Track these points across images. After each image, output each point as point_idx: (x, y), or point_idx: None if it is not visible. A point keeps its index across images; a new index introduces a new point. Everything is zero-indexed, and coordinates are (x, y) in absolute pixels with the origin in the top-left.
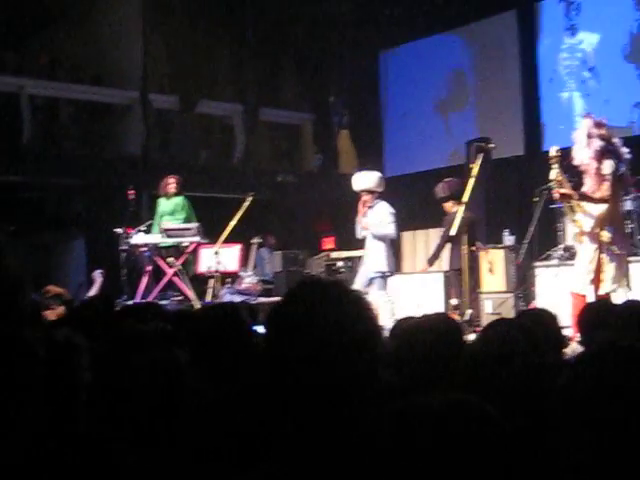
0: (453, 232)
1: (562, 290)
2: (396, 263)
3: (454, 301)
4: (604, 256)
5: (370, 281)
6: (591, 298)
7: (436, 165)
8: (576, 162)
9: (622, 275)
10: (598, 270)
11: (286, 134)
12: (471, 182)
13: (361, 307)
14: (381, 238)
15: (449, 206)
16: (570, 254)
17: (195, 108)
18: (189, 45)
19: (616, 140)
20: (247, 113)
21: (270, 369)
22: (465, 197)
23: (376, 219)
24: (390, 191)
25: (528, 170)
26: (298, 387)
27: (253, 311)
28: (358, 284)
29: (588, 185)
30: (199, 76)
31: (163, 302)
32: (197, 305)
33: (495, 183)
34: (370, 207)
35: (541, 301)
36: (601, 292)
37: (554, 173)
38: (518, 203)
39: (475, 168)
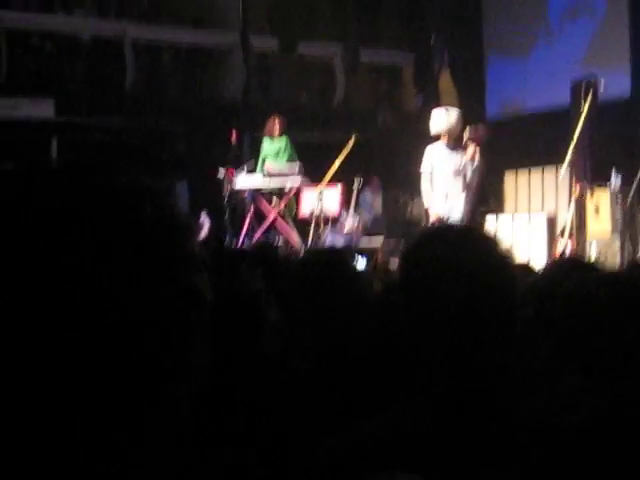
0: (562, 173)
1: None
2: (500, 203)
3: (560, 244)
4: None
5: None
6: None
7: (539, 104)
8: None
9: None
10: None
11: (386, 75)
12: (581, 122)
13: (501, 254)
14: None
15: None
16: None
17: (296, 50)
18: None
19: None
20: (347, 54)
21: (402, 315)
22: (574, 137)
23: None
24: (493, 131)
25: (636, 110)
26: (435, 333)
27: (353, 253)
28: None
29: None
30: (299, 17)
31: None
32: (299, 247)
33: (602, 123)
34: (454, 149)
35: None
36: None
37: None
38: (627, 142)
39: (585, 108)
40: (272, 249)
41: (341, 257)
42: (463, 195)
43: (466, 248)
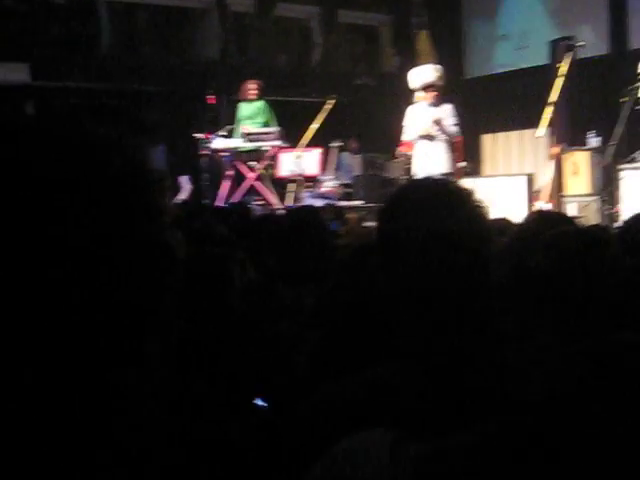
0: (540, 133)
1: None
2: (477, 166)
3: (538, 204)
4: None
5: None
6: None
7: (517, 65)
8: None
9: None
10: None
11: (364, 36)
12: (559, 82)
13: (475, 205)
14: (448, 139)
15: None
16: None
17: (272, 11)
18: None
19: None
20: (325, 15)
21: (378, 273)
22: (553, 97)
23: (444, 119)
24: (470, 93)
25: (614, 69)
26: (411, 287)
27: (338, 213)
28: None
29: None
30: None
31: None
32: (279, 208)
33: (579, 83)
34: (434, 105)
35: (626, 204)
36: None
37: None
38: (604, 103)
39: (563, 67)
40: (246, 208)
41: (313, 214)
42: (444, 153)
43: (440, 199)
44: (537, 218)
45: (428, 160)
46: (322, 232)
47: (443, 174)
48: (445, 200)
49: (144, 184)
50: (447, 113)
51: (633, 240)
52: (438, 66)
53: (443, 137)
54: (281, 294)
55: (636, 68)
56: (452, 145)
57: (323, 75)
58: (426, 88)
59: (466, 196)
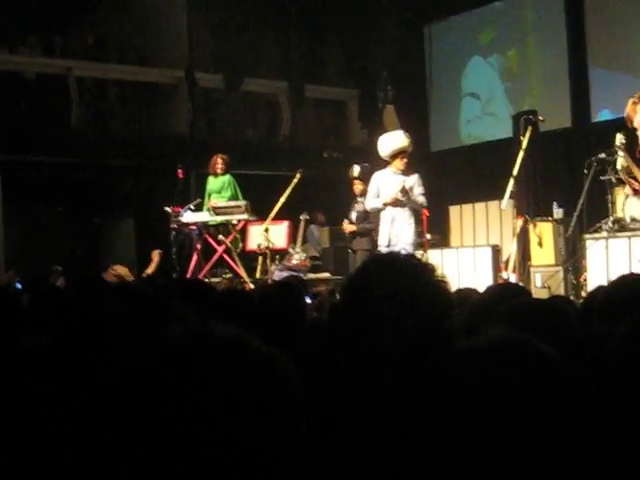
0: (504, 205)
1: (612, 262)
2: (444, 237)
3: (504, 275)
4: None
5: None
6: None
7: (482, 139)
8: None
9: None
10: None
11: (332, 110)
12: (521, 155)
13: (436, 280)
14: (416, 208)
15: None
16: (620, 226)
17: (241, 86)
18: (233, 23)
19: None
20: (292, 90)
21: (338, 342)
22: (515, 171)
23: (413, 187)
24: (436, 165)
25: (576, 142)
26: (372, 357)
27: (303, 286)
28: None
29: None
30: (244, 54)
31: (214, 279)
32: (248, 282)
33: (543, 156)
34: (404, 173)
35: (591, 274)
36: None
37: (620, 162)
38: (567, 175)
39: (524, 141)
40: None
41: (291, 291)
42: (411, 221)
43: (403, 275)
44: (496, 290)
45: (394, 229)
46: (303, 311)
47: (410, 244)
48: (408, 276)
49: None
50: (415, 182)
51: (597, 310)
52: (406, 133)
53: (410, 206)
54: None
55: (597, 140)
56: (419, 215)
57: (291, 149)
58: (397, 155)
59: (428, 271)
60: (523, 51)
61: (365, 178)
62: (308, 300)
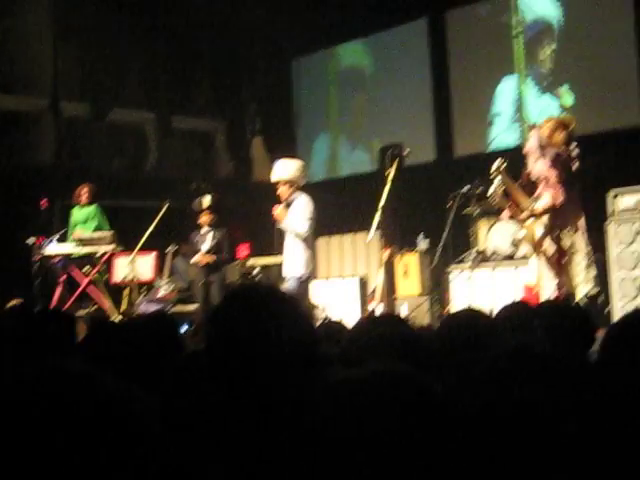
0: (370, 238)
1: (476, 293)
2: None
3: (371, 306)
4: (566, 260)
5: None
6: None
7: (350, 171)
8: (534, 177)
9: (589, 275)
10: (561, 275)
11: (199, 141)
12: (387, 188)
13: (297, 311)
14: (296, 236)
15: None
16: (483, 257)
17: (107, 116)
18: (100, 52)
19: (572, 145)
20: (159, 121)
21: (207, 374)
22: (381, 202)
23: (292, 214)
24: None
25: (440, 175)
26: (237, 389)
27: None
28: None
29: (545, 194)
30: (110, 83)
31: (79, 312)
32: (113, 315)
33: (408, 188)
34: (287, 201)
35: (455, 305)
36: (578, 297)
37: (494, 187)
38: (431, 208)
39: (391, 174)
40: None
41: (164, 322)
42: (292, 254)
43: (267, 309)
44: (368, 322)
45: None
46: (177, 341)
47: (292, 276)
48: (269, 307)
49: None
50: (299, 207)
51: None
52: (298, 162)
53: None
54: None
55: (460, 174)
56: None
57: (158, 180)
58: (280, 182)
59: (291, 304)
60: (388, 85)
61: (218, 209)
62: (184, 327)
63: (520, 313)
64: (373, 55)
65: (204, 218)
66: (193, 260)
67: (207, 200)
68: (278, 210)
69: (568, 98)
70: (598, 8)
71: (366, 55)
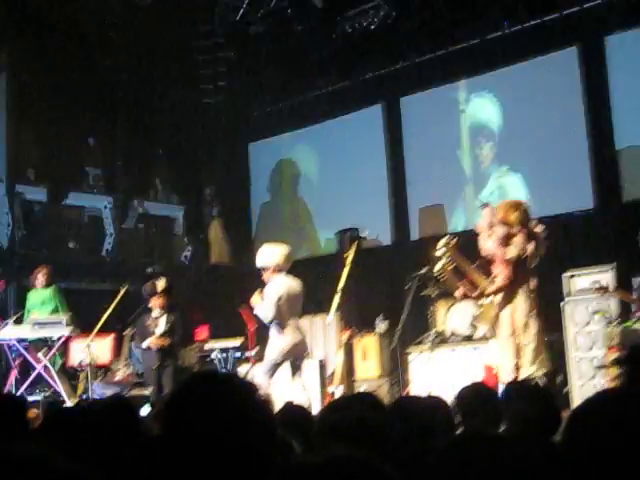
0: (329, 319)
1: (435, 375)
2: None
3: (331, 388)
4: (521, 340)
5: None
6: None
7: (307, 254)
8: (483, 253)
9: (539, 356)
10: (518, 355)
11: (157, 225)
12: (346, 270)
13: (254, 398)
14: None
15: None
16: (442, 338)
17: (64, 199)
18: (58, 136)
19: (533, 224)
20: (118, 205)
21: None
22: (341, 284)
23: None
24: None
25: (398, 257)
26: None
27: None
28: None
29: (498, 272)
30: (68, 167)
31: (33, 397)
32: (70, 398)
33: (366, 270)
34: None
35: (415, 386)
36: (522, 377)
37: (441, 265)
38: (390, 290)
39: (350, 256)
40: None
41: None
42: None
43: (224, 396)
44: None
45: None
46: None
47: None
48: (227, 395)
49: None
50: (266, 291)
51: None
52: (274, 249)
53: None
54: None
55: (420, 257)
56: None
57: (115, 263)
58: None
59: (248, 391)
60: (344, 170)
61: (171, 291)
62: (147, 409)
63: (480, 395)
64: (325, 139)
65: (158, 301)
66: (146, 344)
67: (162, 283)
68: (253, 297)
69: (519, 182)
70: (548, 89)
71: (318, 139)
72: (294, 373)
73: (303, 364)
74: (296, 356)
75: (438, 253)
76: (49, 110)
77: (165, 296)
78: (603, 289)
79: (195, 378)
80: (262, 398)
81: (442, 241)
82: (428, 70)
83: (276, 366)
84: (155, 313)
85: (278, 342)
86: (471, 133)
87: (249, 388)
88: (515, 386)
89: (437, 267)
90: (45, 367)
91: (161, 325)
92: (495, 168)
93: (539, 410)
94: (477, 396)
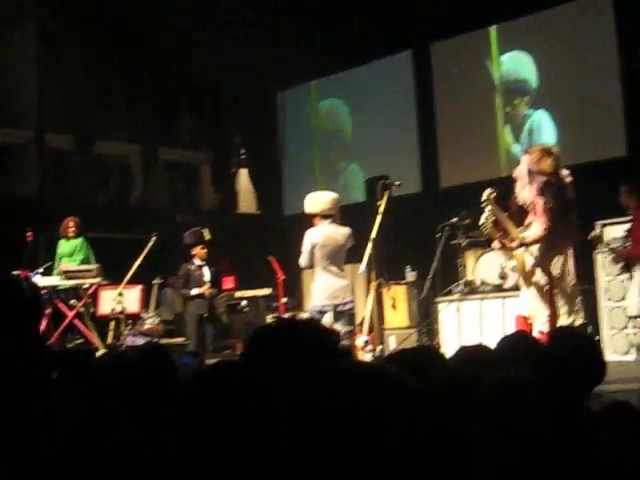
0: (362, 270)
1: (464, 324)
2: (298, 301)
3: (363, 338)
4: (556, 290)
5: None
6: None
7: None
8: (520, 202)
9: (575, 306)
10: (552, 306)
11: (184, 173)
12: (378, 219)
13: (336, 345)
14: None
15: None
16: (471, 289)
17: (92, 148)
18: (85, 84)
19: (563, 172)
20: (144, 153)
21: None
22: (373, 234)
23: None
24: (289, 230)
25: (427, 207)
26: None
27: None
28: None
29: (535, 222)
30: (96, 116)
31: (65, 346)
32: (100, 348)
33: (395, 220)
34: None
35: (444, 336)
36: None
37: (485, 217)
38: (419, 239)
39: (382, 205)
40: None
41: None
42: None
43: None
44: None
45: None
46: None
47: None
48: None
49: None
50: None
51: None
52: (320, 195)
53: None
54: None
55: (447, 205)
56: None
57: (143, 212)
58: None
59: (331, 338)
60: (373, 117)
61: (213, 243)
62: (187, 360)
63: (521, 344)
64: (356, 86)
65: (202, 251)
66: (196, 291)
67: (207, 233)
68: None
69: (551, 127)
70: (581, 37)
71: (349, 86)
72: (336, 319)
73: (345, 310)
74: (336, 303)
75: (483, 205)
76: (77, 59)
77: (208, 247)
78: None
79: (275, 326)
80: (343, 346)
81: (485, 193)
82: (459, 16)
83: (318, 313)
84: (197, 262)
85: (315, 290)
86: (504, 80)
87: (332, 334)
88: (561, 333)
89: (481, 220)
90: (76, 315)
91: (206, 274)
92: (528, 114)
93: (584, 359)
94: (520, 344)
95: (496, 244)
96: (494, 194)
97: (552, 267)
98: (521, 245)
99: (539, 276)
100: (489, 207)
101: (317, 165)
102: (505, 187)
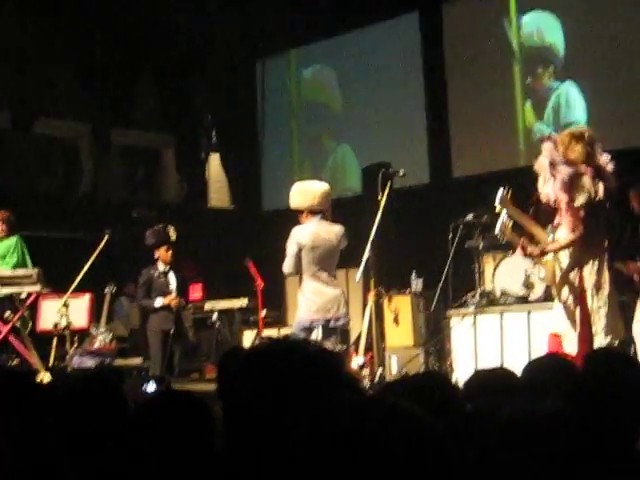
0: (358, 277)
1: (481, 343)
2: (281, 314)
3: (359, 359)
4: (592, 304)
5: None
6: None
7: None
8: (543, 198)
9: (613, 321)
10: (586, 322)
11: (143, 159)
12: (378, 216)
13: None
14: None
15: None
16: (489, 300)
17: (31, 127)
18: (27, 54)
19: (602, 158)
20: (96, 134)
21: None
22: (371, 234)
23: None
24: (269, 227)
25: (436, 201)
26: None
27: (118, 375)
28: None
29: (563, 222)
30: (38, 90)
31: None
32: (40, 370)
33: (399, 217)
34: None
35: (456, 357)
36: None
37: (500, 224)
38: (426, 240)
39: (382, 199)
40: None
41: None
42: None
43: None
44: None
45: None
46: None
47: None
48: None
49: None
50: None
51: None
52: (307, 185)
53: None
54: None
55: (461, 199)
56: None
57: (93, 206)
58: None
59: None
60: (367, 94)
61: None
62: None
63: (553, 369)
64: (351, 56)
65: (165, 254)
66: (160, 302)
67: (173, 232)
68: None
69: (581, 104)
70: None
71: (347, 58)
72: (325, 337)
73: (338, 326)
74: (327, 317)
75: (497, 211)
76: (13, 25)
77: (174, 248)
78: None
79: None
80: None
81: (498, 196)
82: None
83: (305, 330)
84: (161, 267)
85: (301, 301)
86: (525, 46)
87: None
88: (596, 356)
89: (496, 230)
90: (12, 330)
91: (172, 282)
92: (553, 87)
93: (631, 389)
94: (552, 369)
95: (519, 252)
96: (509, 193)
97: (586, 276)
98: (543, 253)
99: (571, 286)
100: (504, 211)
101: (300, 146)
102: (529, 176)
